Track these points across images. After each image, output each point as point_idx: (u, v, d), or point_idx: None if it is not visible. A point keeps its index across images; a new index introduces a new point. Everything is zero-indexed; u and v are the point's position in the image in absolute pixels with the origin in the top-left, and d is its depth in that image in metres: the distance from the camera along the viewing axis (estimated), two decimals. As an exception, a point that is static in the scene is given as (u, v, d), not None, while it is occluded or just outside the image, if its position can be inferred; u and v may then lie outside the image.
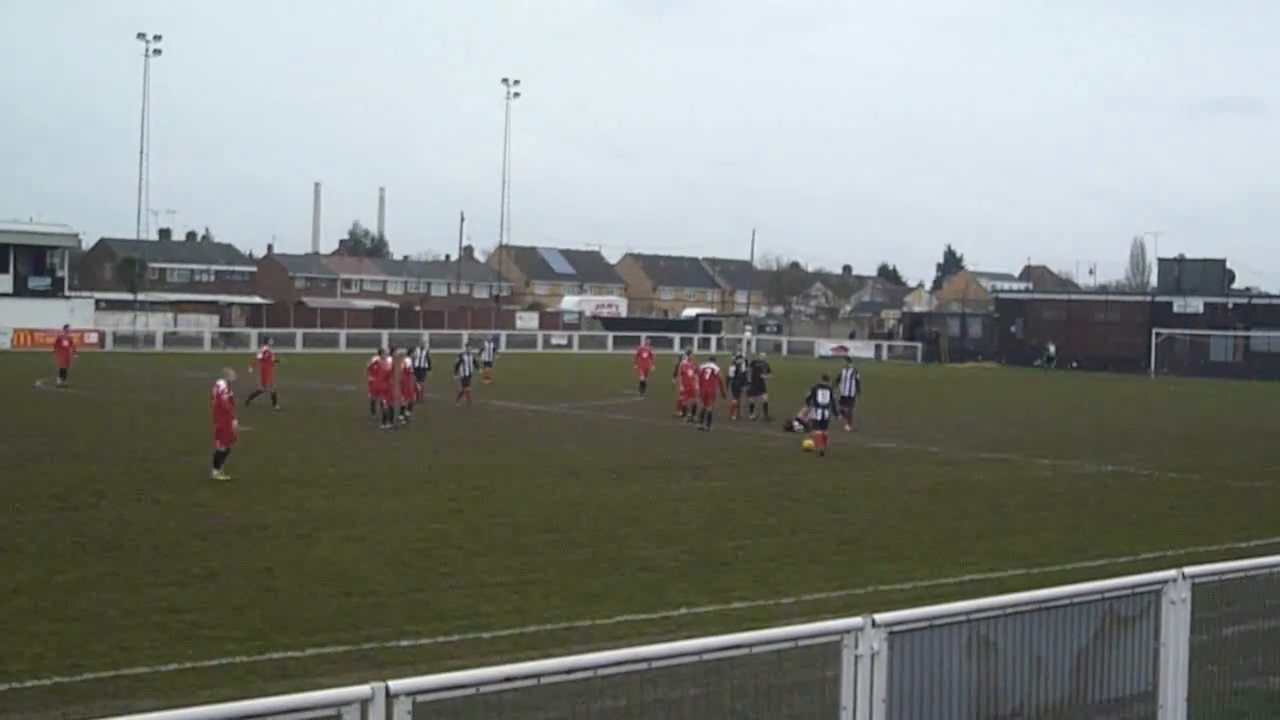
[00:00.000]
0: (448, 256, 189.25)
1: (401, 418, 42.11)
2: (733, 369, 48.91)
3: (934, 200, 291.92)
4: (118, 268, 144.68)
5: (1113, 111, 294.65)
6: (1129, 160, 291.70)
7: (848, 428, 42.60)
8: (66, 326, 66.47)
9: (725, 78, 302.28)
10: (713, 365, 44.94)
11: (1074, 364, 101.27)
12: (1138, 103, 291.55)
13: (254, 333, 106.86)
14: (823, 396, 37.84)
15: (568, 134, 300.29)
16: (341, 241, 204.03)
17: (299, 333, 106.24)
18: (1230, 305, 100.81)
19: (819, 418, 37.78)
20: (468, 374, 50.85)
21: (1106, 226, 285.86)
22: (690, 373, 45.64)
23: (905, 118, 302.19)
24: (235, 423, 29.12)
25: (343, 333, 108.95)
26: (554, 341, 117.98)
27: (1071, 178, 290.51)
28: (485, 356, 63.70)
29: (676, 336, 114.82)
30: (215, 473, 28.42)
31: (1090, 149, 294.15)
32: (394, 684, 6.77)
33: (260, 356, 47.82)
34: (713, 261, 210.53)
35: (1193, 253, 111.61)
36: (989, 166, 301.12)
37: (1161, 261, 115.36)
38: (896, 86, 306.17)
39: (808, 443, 37.84)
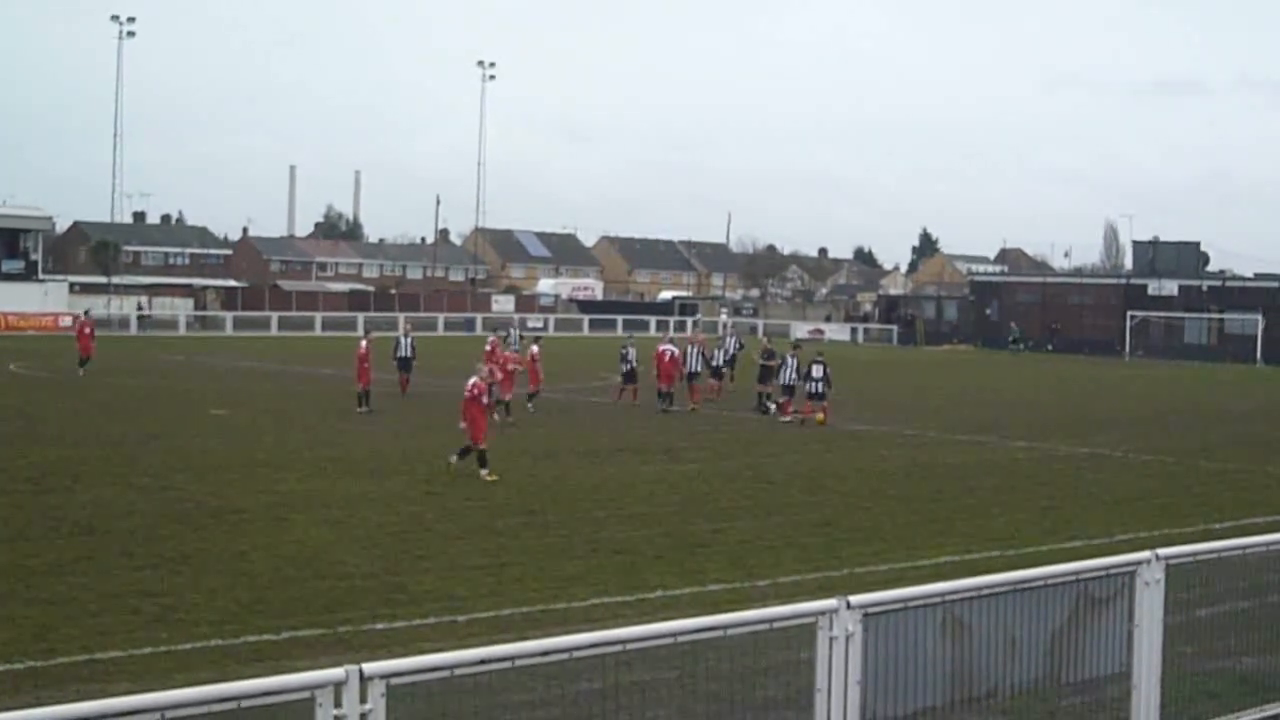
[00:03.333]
0: (423, 239, 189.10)
1: (530, 406, 42.06)
2: (720, 352, 48.64)
3: (908, 183, 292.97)
4: (92, 251, 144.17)
5: (1063, 94, 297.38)
6: (1090, 142, 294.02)
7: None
8: (87, 312, 65.87)
9: (695, 61, 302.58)
10: (671, 348, 45.22)
11: (1049, 346, 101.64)
12: (1086, 85, 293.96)
13: (230, 316, 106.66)
14: (816, 371, 41.05)
15: (538, 117, 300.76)
16: (317, 224, 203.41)
17: (274, 316, 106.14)
18: (1204, 288, 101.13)
19: (814, 390, 41.07)
20: (632, 367, 45.98)
21: (1077, 209, 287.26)
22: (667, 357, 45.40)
23: (875, 101, 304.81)
24: (483, 419, 27.84)
25: (318, 315, 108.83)
26: (530, 325, 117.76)
27: (1037, 160, 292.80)
28: (515, 346, 61.16)
29: (653, 319, 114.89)
30: (484, 473, 26.95)
31: (1051, 132, 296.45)
32: (368, 666, 6.77)
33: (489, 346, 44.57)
34: (689, 244, 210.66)
35: (1163, 235, 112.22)
36: (958, 149, 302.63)
37: (1136, 244, 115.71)
38: (864, 70, 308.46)
39: (819, 417, 40.38)
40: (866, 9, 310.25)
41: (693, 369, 45.39)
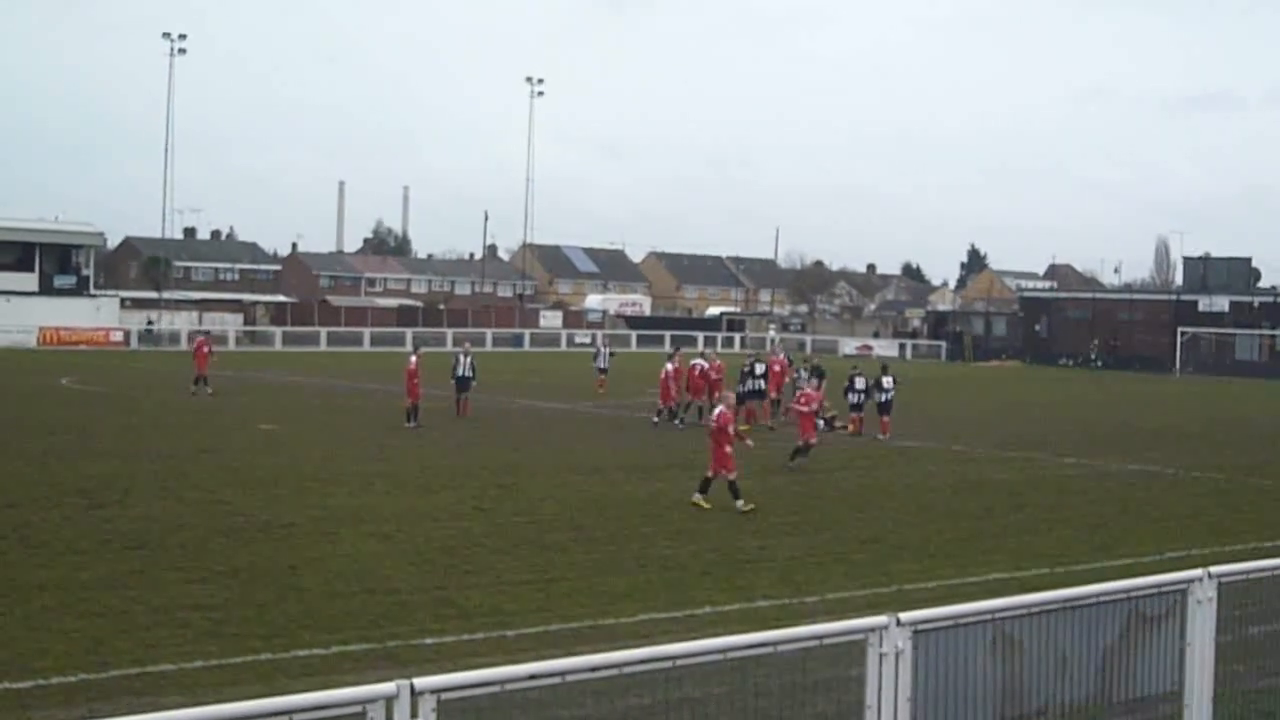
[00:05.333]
0: (471, 255, 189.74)
1: (677, 422, 43.03)
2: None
3: (953, 199, 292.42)
4: (143, 266, 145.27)
5: (1095, 109, 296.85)
6: (1128, 157, 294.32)
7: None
8: (208, 333, 66.33)
9: (736, 77, 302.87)
10: (702, 363, 45.03)
11: (1099, 363, 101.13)
12: (1116, 100, 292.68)
13: (279, 331, 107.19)
14: (860, 382, 42.94)
15: (583, 134, 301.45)
16: (365, 240, 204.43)
17: (323, 331, 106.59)
18: (1256, 304, 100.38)
19: (855, 401, 42.84)
20: (752, 387, 44.06)
21: (1122, 224, 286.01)
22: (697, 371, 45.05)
23: (912, 116, 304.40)
24: (729, 449, 26.32)
25: (367, 331, 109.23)
26: (578, 340, 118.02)
27: (1078, 175, 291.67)
28: (601, 363, 58.04)
29: (700, 335, 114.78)
30: (739, 504, 25.64)
31: (1088, 146, 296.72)
32: (419, 681, 6.79)
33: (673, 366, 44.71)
34: (736, 260, 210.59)
35: (1211, 251, 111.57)
36: (998, 164, 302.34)
37: (1187, 260, 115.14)
38: (900, 85, 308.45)
39: (850, 426, 42.17)
40: (899, 25, 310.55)
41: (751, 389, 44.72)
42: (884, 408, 42.31)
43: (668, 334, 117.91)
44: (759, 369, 44.74)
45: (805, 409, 33.48)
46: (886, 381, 42.67)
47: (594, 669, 7.50)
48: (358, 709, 6.66)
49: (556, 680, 7.29)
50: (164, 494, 26.34)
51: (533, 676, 7.22)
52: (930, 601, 16.54)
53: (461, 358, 45.25)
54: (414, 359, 42.39)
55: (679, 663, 7.71)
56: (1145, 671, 10.06)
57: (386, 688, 6.71)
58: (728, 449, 26.31)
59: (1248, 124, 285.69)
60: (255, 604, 17.30)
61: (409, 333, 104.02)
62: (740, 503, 25.76)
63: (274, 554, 20.59)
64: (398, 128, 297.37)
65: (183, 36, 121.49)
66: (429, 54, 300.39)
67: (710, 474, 26.39)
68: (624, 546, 22.04)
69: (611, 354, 59.48)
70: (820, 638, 8.39)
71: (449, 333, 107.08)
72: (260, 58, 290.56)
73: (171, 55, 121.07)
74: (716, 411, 27.44)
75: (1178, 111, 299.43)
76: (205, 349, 54.28)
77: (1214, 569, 10.39)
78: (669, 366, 44.61)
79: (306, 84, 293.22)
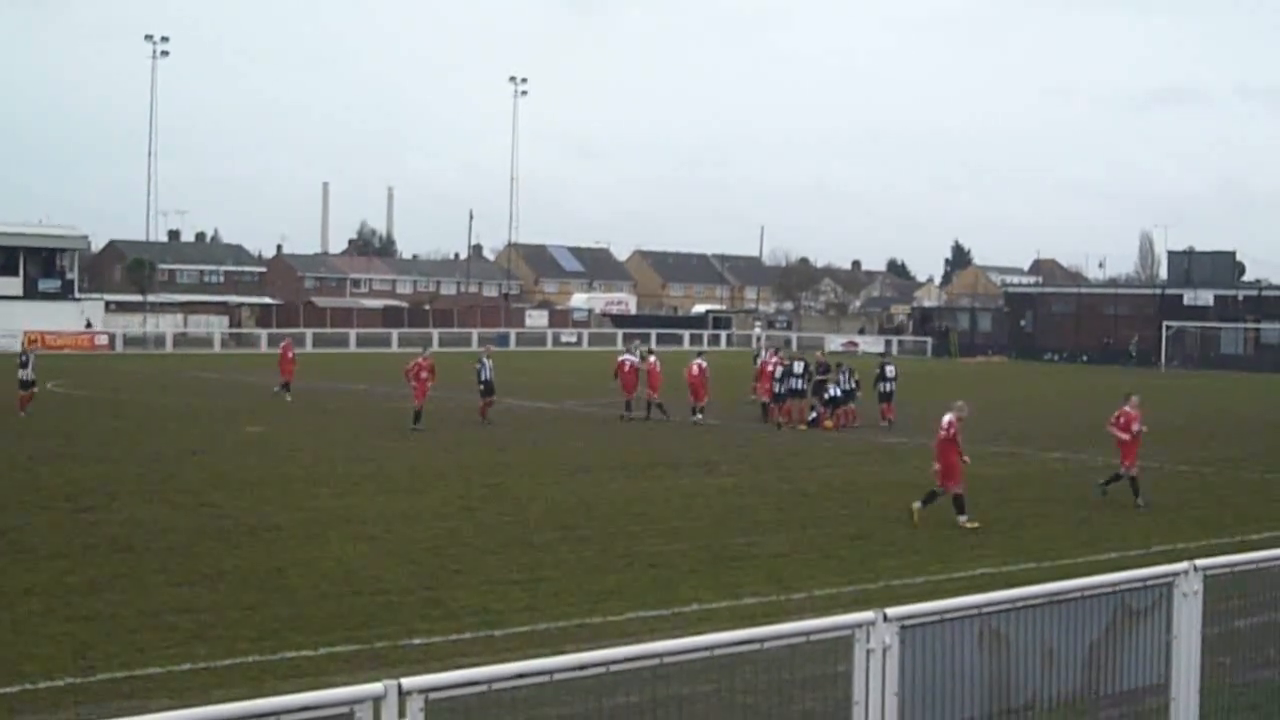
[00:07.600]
0: (456, 255, 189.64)
1: (697, 417, 43.82)
2: (782, 369, 45.07)
3: (934, 196, 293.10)
4: (127, 269, 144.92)
5: (1065, 107, 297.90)
6: (1103, 154, 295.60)
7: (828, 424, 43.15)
8: (290, 339, 66.35)
9: (717, 77, 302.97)
10: (700, 361, 45.34)
11: (1084, 357, 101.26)
12: (1084, 98, 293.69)
13: (264, 333, 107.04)
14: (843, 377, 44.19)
15: (565, 133, 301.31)
16: (350, 241, 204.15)
17: (309, 333, 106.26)
18: (1240, 298, 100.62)
19: (833, 395, 43.80)
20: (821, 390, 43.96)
21: (1103, 220, 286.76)
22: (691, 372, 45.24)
23: (888, 115, 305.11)
24: (958, 460, 24.85)
25: (352, 332, 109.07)
26: (564, 339, 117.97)
27: (1055, 172, 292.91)
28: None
29: (686, 333, 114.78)
30: (962, 519, 24.30)
31: (1062, 144, 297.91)
32: (407, 681, 6.78)
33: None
34: (722, 258, 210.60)
35: (1196, 245, 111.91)
36: (975, 162, 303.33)
37: (1171, 254, 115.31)
38: (875, 85, 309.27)
39: (828, 424, 42.90)
40: (878, 25, 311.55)
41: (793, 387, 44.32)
42: (885, 396, 43.79)
43: (654, 332, 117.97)
44: (797, 368, 44.64)
45: (1125, 435, 28.49)
46: (890, 371, 45.01)
47: (581, 667, 7.49)
48: (345, 710, 6.65)
49: (544, 679, 7.29)
50: (150, 497, 26.30)
51: (520, 675, 7.22)
52: (917, 597, 16.52)
53: (485, 360, 44.17)
54: (421, 360, 41.73)
55: (666, 660, 7.71)
56: (1132, 665, 10.08)
57: (374, 688, 6.70)
58: (958, 460, 24.88)
59: (1218, 118, 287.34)
60: (243, 606, 17.28)
61: (395, 333, 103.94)
62: (963, 519, 24.47)
63: (261, 556, 20.57)
64: (381, 129, 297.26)
65: (165, 39, 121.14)
66: (411, 56, 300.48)
67: (950, 489, 24.85)
68: (611, 545, 22.05)
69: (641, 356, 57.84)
70: (807, 634, 8.40)
71: (435, 333, 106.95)
72: (244, 60, 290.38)
73: (154, 58, 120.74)
74: (946, 419, 25.14)
75: (1143, 109, 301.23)
76: (290, 354, 54.05)
77: (1200, 562, 10.41)
78: (772, 359, 45.80)
79: (290, 86, 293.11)
